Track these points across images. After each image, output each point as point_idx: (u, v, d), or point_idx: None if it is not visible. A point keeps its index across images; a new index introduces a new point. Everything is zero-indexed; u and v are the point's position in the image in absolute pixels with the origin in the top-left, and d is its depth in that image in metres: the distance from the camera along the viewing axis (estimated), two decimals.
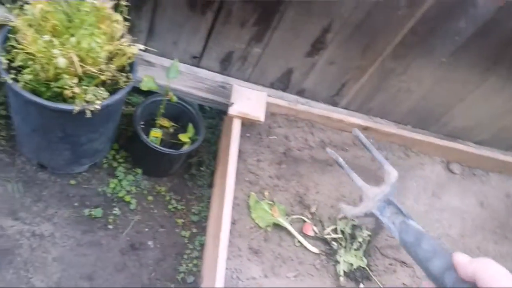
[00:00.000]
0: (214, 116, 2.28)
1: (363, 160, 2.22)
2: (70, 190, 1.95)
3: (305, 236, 1.93)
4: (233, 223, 1.82)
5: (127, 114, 2.10)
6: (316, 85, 2.28)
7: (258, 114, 1.99)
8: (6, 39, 1.56)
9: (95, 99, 1.53)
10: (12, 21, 1.54)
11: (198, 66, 2.21)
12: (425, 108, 2.40)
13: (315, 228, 1.96)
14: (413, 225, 0.69)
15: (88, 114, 1.51)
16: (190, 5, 1.88)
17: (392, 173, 0.86)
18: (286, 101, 2.24)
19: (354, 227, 2.00)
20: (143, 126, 2.04)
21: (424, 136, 2.40)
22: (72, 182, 1.96)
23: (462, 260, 0.59)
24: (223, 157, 2.05)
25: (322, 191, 2.06)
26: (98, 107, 1.52)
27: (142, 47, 1.62)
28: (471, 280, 0.57)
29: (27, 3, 1.56)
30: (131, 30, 1.69)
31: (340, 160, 1.15)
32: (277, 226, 1.91)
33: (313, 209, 1.99)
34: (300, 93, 2.33)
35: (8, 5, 1.76)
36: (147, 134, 2.00)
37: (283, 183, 2.02)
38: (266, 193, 1.97)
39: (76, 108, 1.49)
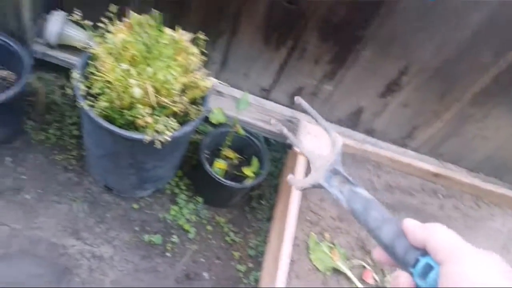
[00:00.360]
0: (279, 149, 2.25)
1: (431, 208, 2.12)
2: (132, 214, 1.97)
3: (365, 283, 1.84)
4: (291, 263, 1.77)
5: (194, 142, 2.11)
6: (386, 125, 2.20)
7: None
8: (86, 65, 1.60)
9: (166, 130, 1.54)
10: (93, 48, 1.59)
11: (266, 98, 2.20)
12: (501, 157, 2.27)
13: (375, 276, 1.87)
14: (361, 192, 0.67)
15: (158, 145, 1.52)
16: (265, 40, 1.88)
17: (337, 141, 0.80)
18: (354, 140, 2.18)
19: None
20: (208, 156, 2.04)
21: (497, 186, 2.26)
22: (135, 206, 1.98)
23: (411, 225, 0.57)
24: (284, 193, 2.01)
25: None
26: (168, 138, 1.52)
27: (215, 81, 1.62)
28: (421, 246, 0.56)
29: (109, 32, 1.60)
30: (205, 61, 1.69)
31: (285, 131, 0.97)
32: (336, 270, 1.84)
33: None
34: (369, 132, 2.27)
35: (91, 32, 1.82)
36: (212, 164, 2.00)
37: (345, 225, 1.95)
38: (327, 235, 1.90)
39: (147, 138, 1.50)
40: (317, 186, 0.74)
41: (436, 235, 0.55)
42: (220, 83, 1.71)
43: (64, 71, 2.04)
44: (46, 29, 1.85)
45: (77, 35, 1.89)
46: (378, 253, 0.63)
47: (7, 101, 1.67)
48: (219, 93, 2.11)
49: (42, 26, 1.91)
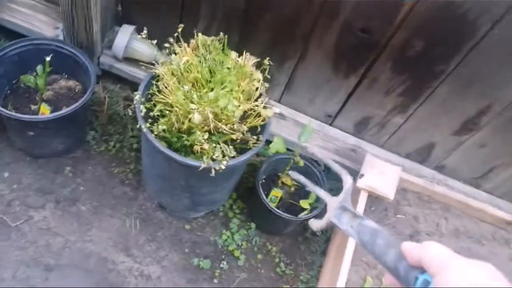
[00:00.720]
0: (339, 179, 2.13)
1: (500, 258, 1.94)
2: (184, 235, 1.93)
3: None
4: None
5: (251, 164, 2.04)
6: (459, 164, 2.04)
7: (388, 191, 1.82)
8: (149, 84, 1.58)
9: (222, 158, 1.48)
10: (157, 68, 1.56)
11: (330, 125, 2.10)
12: None
13: None
14: (368, 224, 0.70)
15: (213, 173, 1.46)
16: (334, 68, 1.78)
17: (347, 181, 0.88)
18: (422, 178, 2.03)
19: None
20: (264, 181, 1.97)
21: None
22: (187, 226, 1.94)
23: (408, 247, 0.60)
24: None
25: None
26: (223, 167, 1.47)
27: (278, 110, 1.54)
28: (418, 265, 0.58)
29: (175, 52, 1.57)
30: (268, 82, 1.62)
31: (303, 179, 1.02)
32: None
33: None
34: (439, 168, 2.11)
35: (158, 51, 1.81)
36: (268, 190, 1.92)
37: None
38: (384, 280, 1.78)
39: (202, 165, 1.45)
40: (331, 224, 0.79)
41: (428, 251, 0.57)
42: (281, 114, 1.63)
43: (129, 82, 2.05)
44: (114, 43, 1.85)
45: (144, 50, 1.88)
46: (388, 278, 0.64)
47: (73, 113, 1.68)
48: (281, 115, 2.03)
49: (110, 39, 1.92)
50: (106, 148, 2.02)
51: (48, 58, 1.63)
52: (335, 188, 2.09)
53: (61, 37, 1.90)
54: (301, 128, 2.03)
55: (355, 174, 2.02)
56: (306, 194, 1.96)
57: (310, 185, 1.06)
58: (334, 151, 2.05)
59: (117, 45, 1.85)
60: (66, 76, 1.93)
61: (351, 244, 1.71)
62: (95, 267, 1.80)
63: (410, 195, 1.97)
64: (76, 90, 1.91)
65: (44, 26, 1.93)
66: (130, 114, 2.06)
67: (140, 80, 1.95)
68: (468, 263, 0.54)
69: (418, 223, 1.93)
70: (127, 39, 1.84)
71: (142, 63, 1.90)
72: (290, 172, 1.15)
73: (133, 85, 2.08)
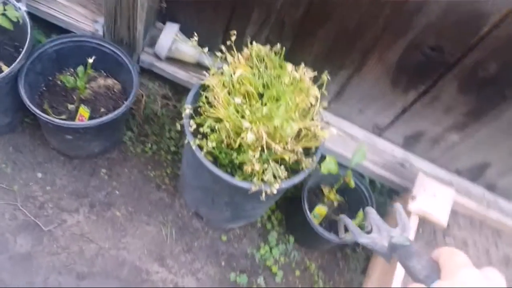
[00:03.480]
0: (383, 193, 2.03)
1: None
2: (220, 246, 1.85)
3: None
4: None
5: None
6: None
7: (442, 216, 1.71)
8: (197, 95, 1.47)
9: (273, 181, 1.38)
10: (207, 79, 1.45)
11: (379, 136, 1.98)
12: None
13: None
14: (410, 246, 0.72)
15: (263, 197, 1.37)
16: (392, 82, 1.66)
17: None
18: (471, 196, 1.92)
19: None
20: (306, 194, 1.87)
21: None
22: (224, 237, 1.86)
23: (437, 251, 0.60)
24: None
25: None
26: (275, 191, 1.37)
27: (335, 132, 1.43)
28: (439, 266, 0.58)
29: (226, 61, 1.46)
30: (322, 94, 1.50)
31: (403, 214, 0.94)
32: None
33: None
34: (491, 188, 1.99)
35: (200, 53, 1.69)
36: (309, 203, 1.82)
37: None
38: None
39: (253, 188, 1.35)
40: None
41: (445, 254, 0.58)
42: (339, 134, 1.51)
43: (168, 81, 1.94)
44: (158, 42, 1.74)
45: (188, 51, 1.76)
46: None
47: (115, 119, 1.58)
48: (326, 123, 1.92)
49: (152, 36, 1.81)
50: (143, 150, 1.93)
51: (91, 60, 1.52)
52: (379, 203, 1.99)
53: (100, 32, 1.79)
54: (347, 139, 1.92)
55: (402, 190, 1.92)
56: (350, 211, 1.86)
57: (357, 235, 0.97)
58: (382, 166, 1.94)
59: (161, 44, 1.73)
60: (105, 74, 1.83)
61: (400, 271, 1.62)
62: (128, 276, 1.73)
63: (461, 218, 1.86)
64: (115, 90, 1.81)
65: (82, 18, 1.82)
66: (170, 108, 1.98)
67: (181, 81, 1.86)
68: (476, 276, 0.53)
69: (467, 248, 1.82)
70: (172, 39, 1.72)
71: (185, 63, 1.81)
72: (342, 216, 1.08)
73: (172, 84, 1.98)
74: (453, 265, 0.56)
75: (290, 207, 1.95)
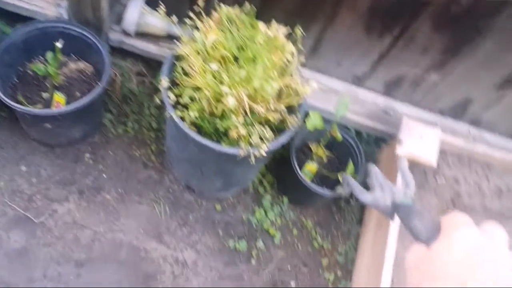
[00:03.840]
0: (371, 143, 2.04)
1: None
2: (216, 216, 1.84)
3: None
4: (392, 286, 1.60)
5: None
6: (498, 118, 1.94)
7: (431, 157, 1.72)
8: (172, 66, 1.44)
9: (260, 142, 1.37)
10: (180, 48, 1.41)
11: (359, 86, 1.97)
12: None
13: None
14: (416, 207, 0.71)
15: (252, 161, 1.36)
16: (367, 29, 1.64)
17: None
18: (456, 134, 1.94)
19: None
20: (295, 153, 1.86)
21: None
22: (218, 207, 1.86)
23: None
24: None
25: None
26: (264, 153, 1.36)
27: (316, 86, 1.41)
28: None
29: (197, 28, 1.42)
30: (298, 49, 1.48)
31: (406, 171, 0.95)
32: None
33: None
34: (475, 123, 2.01)
35: (170, 25, 1.65)
36: (299, 161, 1.82)
37: None
38: None
39: (241, 153, 1.34)
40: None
41: (448, 216, 0.57)
42: (318, 87, 1.49)
43: (140, 57, 1.90)
44: (124, 18, 1.69)
45: (157, 23, 1.72)
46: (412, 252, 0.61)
47: (91, 101, 1.55)
48: (305, 80, 1.90)
49: (118, 13, 1.76)
50: (124, 130, 1.90)
51: (59, 45, 1.47)
52: (367, 153, 1.99)
53: (65, 16, 1.73)
54: (328, 93, 1.91)
55: (389, 137, 1.92)
56: (340, 165, 1.87)
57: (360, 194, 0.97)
58: (365, 115, 1.94)
59: (128, 20, 1.69)
60: (75, 58, 1.78)
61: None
62: (127, 257, 1.72)
63: (450, 156, 1.88)
64: (88, 72, 1.76)
65: (45, 4, 1.75)
66: (147, 85, 1.94)
67: (154, 56, 1.82)
68: (473, 235, 0.52)
69: (459, 186, 1.85)
70: (138, 12, 1.68)
71: (155, 36, 1.77)
72: (344, 175, 1.06)
73: (145, 60, 1.94)
74: (452, 224, 0.55)
75: (280, 169, 1.95)
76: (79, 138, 1.80)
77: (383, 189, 0.90)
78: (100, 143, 1.86)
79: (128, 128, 1.89)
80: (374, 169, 1.01)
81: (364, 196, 0.93)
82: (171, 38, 1.74)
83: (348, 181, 1.04)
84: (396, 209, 0.78)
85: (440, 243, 0.55)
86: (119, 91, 1.92)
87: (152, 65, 1.91)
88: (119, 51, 1.91)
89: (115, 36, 1.79)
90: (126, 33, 1.78)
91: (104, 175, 1.81)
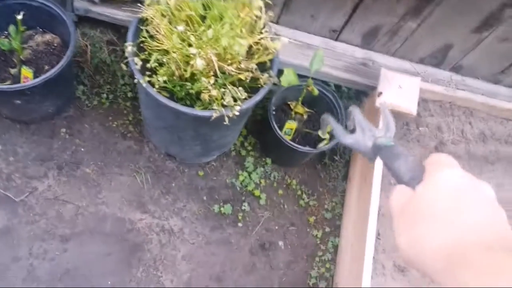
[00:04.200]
0: (352, 97, 2.01)
1: None
2: (199, 182, 1.83)
3: None
4: (377, 237, 1.60)
5: None
6: (478, 62, 1.91)
7: (411, 106, 1.69)
8: (138, 30, 1.39)
9: (233, 103, 1.34)
10: (144, 11, 1.36)
11: (336, 40, 1.93)
12: None
13: None
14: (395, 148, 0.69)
15: (226, 121, 1.33)
16: None
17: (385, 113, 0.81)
18: (438, 81, 1.91)
19: None
20: (274, 112, 1.83)
21: None
22: (201, 173, 1.84)
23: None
24: None
25: None
26: (237, 113, 1.33)
27: (286, 41, 1.37)
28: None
29: None
30: (266, 4, 1.43)
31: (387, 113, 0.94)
32: None
33: None
34: (456, 69, 1.98)
35: None
36: (279, 121, 1.80)
37: None
38: None
39: (214, 115, 1.31)
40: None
41: (431, 158, 0.55)
42: (290, 41, 1.44)
43: (109, 25, 1.84)
44: None
45: None
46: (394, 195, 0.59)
47: (58, 73, 1.50)
48: (276, 34, 1.85)
49: None
50: (99, 102, 1.85)
51: (19, 17, 1.42)
52: (348, 106, 1.96)
53: None
54: (305, 49, 1.87)
55: (370, 90, 1.89)
56: (319, 118, 1.84)
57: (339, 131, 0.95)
58: (344, 69, 1.90)
59: None
60: (41, 30, 1.72)
61: (378, 170, 1.62)
62: (113, 229, 1.71)
63: (431, 104, 1.86)
64: (55, 44, 1.71)
65: None
66: (119, 53, 1.88)
67: (122, 22, 1.76)
68: (459, 175, 0.51)
69: (442, 133, 1.83)
70: None
71: (124, 4, 1.71)
72: (324, 116, 1.03)
73: (115, 27, 1.88)
74: (436, 165, 0.54)
75: (261, 130, 1.92)
76: (53, 112, 1.76)
77: (363, 131, 0.88)
78: (76, 117, 1.82)
79: (103, 100, 1.85)
80: (355, 111, 0.99)
81: (345, 138, 0.91)
82: (138, 1, 1.68)
83: (329, 121, 1.01)
84: (377, 150, 0.76)
85: (425, 184, 0.53)
86: (91, 62, 1.87)
87: (123, 32, 1.85)
88: (87, 20, 1.85)
89: (80, 5, 1.73)
90: (91, 0, 1.72)
91: (82, 149, 1.78)
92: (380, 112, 0.95)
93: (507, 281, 0.40)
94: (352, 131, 0.87)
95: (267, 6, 1.40)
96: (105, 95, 1.85)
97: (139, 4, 1.39)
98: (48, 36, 1.71)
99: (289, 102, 1.87)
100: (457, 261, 0.45)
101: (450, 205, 0.49)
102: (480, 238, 0.45)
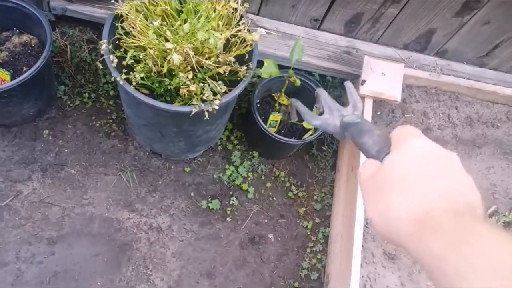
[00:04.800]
0: (337, 86, 1.99)
1: None
2: (186, 178, 1.81)
3: None
4: (366, 225, 1.60)
5: None
6: (461, 45, 1.90)
7: (395, 93, 1.68)
8: (113, 28, 1.36)
9: (213, 97, 1.32)
10: (118, 7, 1.34)
11: (318, 29, 1.91)
12: None
13: None
14: (362, 122, 0.73)
15: (206, 116, 1.31)
16: None
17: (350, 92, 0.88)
18: (423, 67, 1.90)
19: (507, 224, 1.70)
20: (258, 105, 1.81)
21: None
22: (187, 169, 1.82)
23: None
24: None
25: None
26: (216, 107, 1.31)
27: (264, 32, 1.35)
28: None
29: None
30: None
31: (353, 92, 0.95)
32: None
33: None
34: (440, 54, 1.96)
35: None
36: (264, 113, 1.78)
37: None
38: None
39: (194, 110, 1.29)
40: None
41: (396, 130, 0.56)
42: (268, 32, 1.42)
43: (88, 23, 1.82)
44: None
45: None
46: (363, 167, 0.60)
47: (37, 73, 1.48)
48: (255, 25, 1.83)
49: None
50: (81, 101, 1.83)
51: None
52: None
53: None
54: (287, 39, 1.85)
55: (355, 78, 1.87)
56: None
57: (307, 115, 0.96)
58: (327, 59, 1.88)
59: None
60: (17, 31, 1.69)
61: (363, 158, 1.60)
62: (100, 229, 1.69)
63: (416, 90, 1.84)
64: (33, 45, 1.68)
65: None
66: (99, 52, 1.86)
67: (101, 19, 1.74)
68: (425, 143, 0.52)
69: (428, 119, 1.82)
70: None
71: (100, 2, 1.69)
72: (292, 100, 1.06)
73: (94, 25, 1.86)
74: (403, 136, 0.54)
75: (247, 123, 1.90)
76: (34, 114, 1.74)
77: (331, 111, 0.88)
78: (58, 118, 1.80)
79: (85, 99, 1.83)
80: (322, 93, 0.99)
81: (314, 120, 0.91)
82: None
83: (296, 105, 1.02)
84: (345, 128, 0.76)
85: (392, 154, 0.54)
86: (71, 61, 1.84)
87: (102, 30, 1.82)
88: (65, 20, 1.83)
89: (57, 4, 1.70)
90: None
91: (65, 149, 1.76)
92: (351, 91, 0.94)
93: (473, 247, 0.40)
94: (321, 113, 0.86)
95: None
96: (87, 95, 1.83)
97: (113, 1, 1.37)
98: (25, 37, 1.69)
99: (273, 94, 1.85)
100: (426, 227, 0.45)
101: (419, 173, 0.49)
102: (450, 204, 0.46)
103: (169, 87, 1.35)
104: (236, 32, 1.36)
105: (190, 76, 1.30)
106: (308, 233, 1.84)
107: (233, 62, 1.36)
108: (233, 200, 1.80)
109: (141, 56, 1.32)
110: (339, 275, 1.63)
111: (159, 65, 1.32)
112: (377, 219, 0.51)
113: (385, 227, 0.50)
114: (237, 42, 1.37)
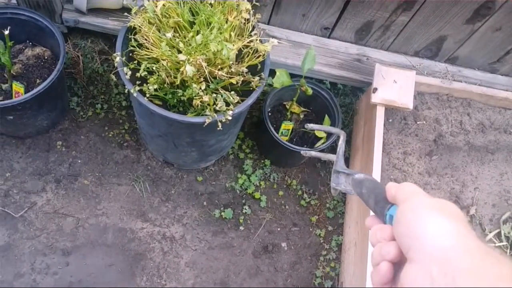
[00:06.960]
0: (348, 94, 1.99)
1: None
2: (198, 187, 1.82)
3: None
4: None
5: None
6: (473, 52, 1.90)
7: (407, 100, 1.68)
8: (126, 40, 1.38)
9: (226, 107, 1.32)
10: (131, 20, 1.35)
11: (329, 37, 1.91)
12: None
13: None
14: (356, 176, 0.73)
15: (219, 126, 1.31)
16: None
17: (340, 147, 0.85)
18: (434, 74, 1.90)
19: None
20: (270, 114, 1.82)
21: None
22: (199, 178, 1.82)
23: (390, 185, 0.59)
24: (360, 146, 1.79)
25: (482, 187, 1.74)
26: (229, 117, 1.31)
27: (276, 42, 1.35)
28: (395, 202, 0.58)
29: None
30: (254, 6, 1.42)
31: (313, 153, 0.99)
32: None
33: (472, 211, 1.69)
34: (451, 61, 1.96)
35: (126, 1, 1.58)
36: (276, 122, 1.78)
37: (435, 179, 1.73)
38: None
39: (207, 121, 1.30)
40: (335, 189, 0.80)
41: (400, 187, 0.57)
42: (279, 42, 1.42)
43: (100, 34, 1.83)
44: None
45: None
46: (369, 220, 0.63)
47: (50, 86, 1.49)
48: (274, 38, 1.83)
49: None
50: (94, 112, 1.85)
51: (6, 32, 1.40)
52: (345, 104, 1.95)
53: (13, 0, 1.65)
54: (298, 48, 1.85)
55: (366, 86, 1.87)
56: (317, 119, 1.83)
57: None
58: (338, 67, 1.88)
59: None
60: (30, 43, 1.71)
61: (377, 164, 1.60)
62: (114, 240, 1.70)
63: (428, 97, 1.84)
64: (46, 57, 1.70)
65: None
66: (111, 62, 1.87)
67: (112, 31, 1.75)
68: (429, 199, 0.53)
69: (441, 126, 1.81)
70: None
71: (111, 10, 1.70)
72: (307, 125, 1.06)
73: (106, 37, 1.87)
74: (408, 194, 0.55)
75: (259, 132, 1.91)
76: (48, 126, 1.75)
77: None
78: (71, 129, 1.81)
79: (98, 110, 1.84)
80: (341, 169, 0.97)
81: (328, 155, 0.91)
82: (127, 10, 1.67)
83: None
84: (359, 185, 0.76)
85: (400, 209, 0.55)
86: (83, 72, 1.86)
87: (114, 41, 1.83)
88: (77, 31, 1.85)
89: (69, 16, 1.72)
90: (80, 11, 1.71)
91: (79, 160, 1.77)
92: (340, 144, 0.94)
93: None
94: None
95: (256, 8, 1.39)
96: (99, 105, 1.84)
97: (126, 14, 1.38)
98: (38, 49, 1.70)
99: (284, 103, 1.85)
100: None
101: None
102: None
103: (182, 98, 1.36)
104: (248, 42, 1.36)
105: (203, 87, 1.31)
106: (321, 241, 1.83)
107: (246, 73, 1.36)
108: (245, 209, 1.80)
109: (154, 68, 1.33)
110: (353, 283, 1.62)
111: (172, 77, 1.33)
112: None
113: None
114: (250, 52, 1.37)
